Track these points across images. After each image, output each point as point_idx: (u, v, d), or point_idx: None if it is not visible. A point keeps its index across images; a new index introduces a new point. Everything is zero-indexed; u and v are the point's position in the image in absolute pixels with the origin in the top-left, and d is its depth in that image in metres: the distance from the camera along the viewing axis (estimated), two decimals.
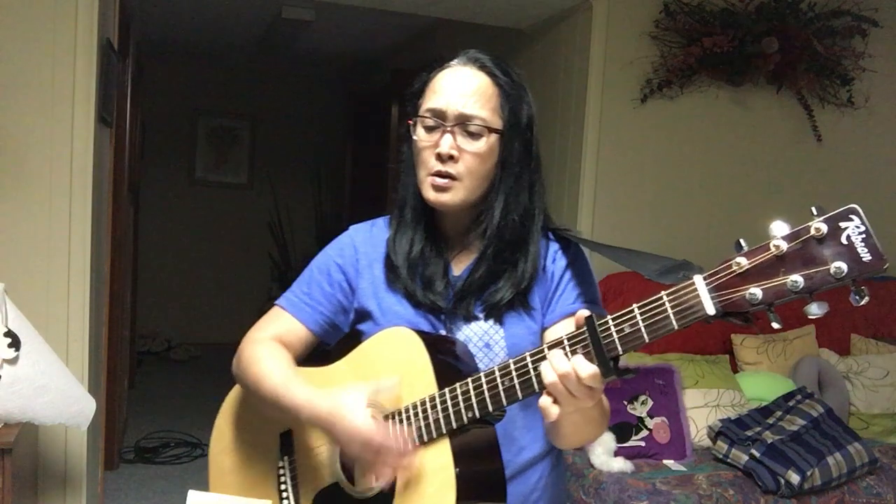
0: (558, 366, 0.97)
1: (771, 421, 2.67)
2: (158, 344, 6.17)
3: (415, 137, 1.21)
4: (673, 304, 0.91)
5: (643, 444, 2.68)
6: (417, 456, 1.10)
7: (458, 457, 1.08)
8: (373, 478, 1.12)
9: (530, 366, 1.03)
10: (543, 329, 1.23)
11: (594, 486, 2.50)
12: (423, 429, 1.10)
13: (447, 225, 1.26)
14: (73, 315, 2.57)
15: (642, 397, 2.73)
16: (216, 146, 6.53)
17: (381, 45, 5.49)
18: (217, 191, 6.55)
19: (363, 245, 1.30)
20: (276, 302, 1.33)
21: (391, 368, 1.16)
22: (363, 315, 1.28)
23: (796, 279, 0.84)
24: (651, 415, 2.72)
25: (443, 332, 1.22)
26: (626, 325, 0.94)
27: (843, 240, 0.82)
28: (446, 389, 1.09)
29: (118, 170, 3.40)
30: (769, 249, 0.86)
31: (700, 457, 2.71)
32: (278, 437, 1.29)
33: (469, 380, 1.08)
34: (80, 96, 2.53)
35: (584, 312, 0.98)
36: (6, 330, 2.06)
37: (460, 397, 1.08)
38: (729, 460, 2.60)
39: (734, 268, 0.88)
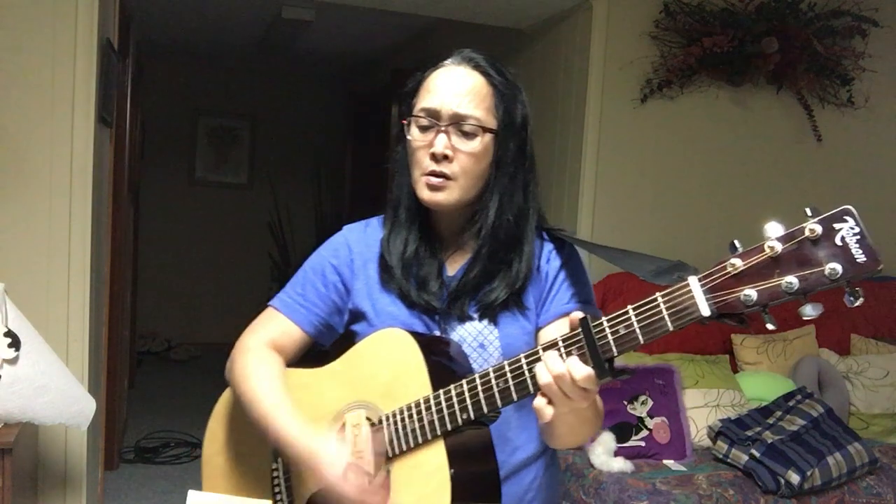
0: (553, 367, 0.97)
1: (771, 421, 2.66)
2: (158, 344, 6.18)
3: (409, 137, 1.21)
4: (668, 305, 0.91)
5: (643, 444, 2.68)
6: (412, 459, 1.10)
7: (453, 458, 1.08)
8: None
9: (525, 367, 1.03)
10: (538, 329, 1.23)
11: (594, 486, 2.50)
12: (418, 430, 1.10)
13: (441, 225, 1.26)
14: (73, 315, 2.57)
15: (642, 397, 2.73)
16: (216, 146, 6.54)
17: (381, 45, 5.49)
18: (217, 191, 6.55)
19: (357, 245, 1.30)
20: (270, 303, 1.33)
21: (385, 370, 1.16)
22: (357, 316, 1.28)
23: (791, 280, 0.84)
24: (651, 415, 2.72)
25: (437, 333, 1.22)
26: (620, 326, 0.94)
27: (838, 241, 0.82)
28: (441, 391, 1.09)
29: (118, 170, 3.40)
30: (764, 251, 0.86)
31: (700, 457, 2.71)
32: None
33: (464, 381, 1.08)
34: (80, 96, 2.54)
35: (579, 314, 0.98)
36: (6, 330, 2.06)
37: (455, 399, 1.08)
38: (729, 460, 2.60)
39: (729, 269, 0.88)
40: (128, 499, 3.44)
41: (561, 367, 0.96)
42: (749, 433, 2.60)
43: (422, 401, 1.11)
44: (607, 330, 0.95)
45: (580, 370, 0.95)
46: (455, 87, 1.18)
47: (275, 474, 1.29)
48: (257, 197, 6.56)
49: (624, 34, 3.24)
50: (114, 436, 3.57)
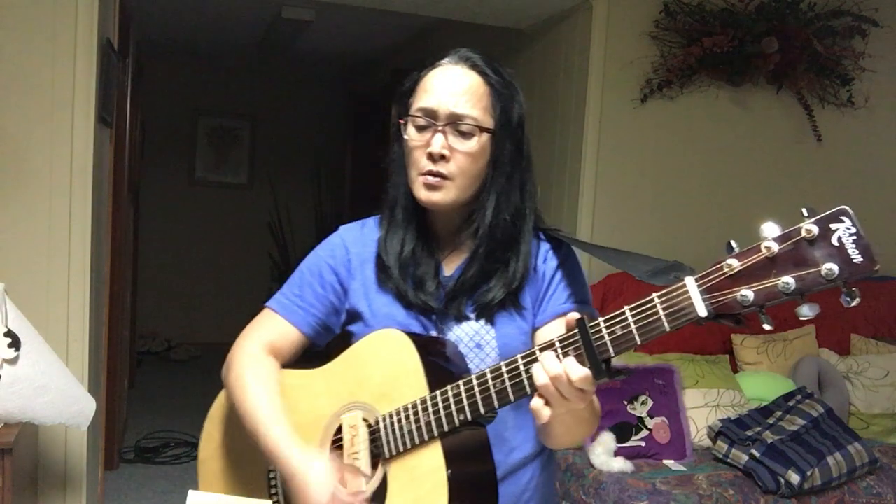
0: (550, 368, 0.97)
1: (771, 421, 2.66)
2: (158, 344, 6.18)
3: (406, 137, 1.21)
4: (664, 305, 0.91)
5: (643, 444, 2.68)
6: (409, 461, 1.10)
7: (450, 459, 1.08)
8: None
9: (522, 368, 1.02)
10: (534, 329, 1.22)
11: (594, 486, 2.50)
12: (415, 431, 1.10)
13: (438, 225, 1.26)
14: (73, 315, 2.57)
15: (642, 397, 2.73)
16: (216, 146, 6.54)
17: (381, 45, 5.49)
18: (217, 191, 6.55)
19: (354, 245, 1.30)
20: (267, 304, 1.32)
21: (382, 371, 1.16)
22: (354, 316, 1.28)
23: (788, 281, 0.84)
24: (651, 415, 2.72)
25: (434, 333, 1.22)
26: (617, 327, 0.94)
27: (834, 241, 0.82)
28: (437, 392, 1.09)
29: (118, 170, 3.40)
30: (760, 251, 0.86)
31: (700, 457, 2.71)
32: None
33: (461, 382, 1.08)
34: (80, 96, 2.54)
35: (575, 315, 0.98)
36: (6, 330, 2.06)
37: (452, 400, 1.08)
38: (729, 460, 2.60)
39: (725, 269, 0.88)
40: (128, 499, 3.44)
41: (557, 368, 0.96)
42: (749, 433, 2.60)
43: (419, 402, 1.10)
44: (604, 330, 0.95)
45: (577, 371, 0.95)
46: (452, 87, 1.17)
47: (271, 475, 1.28)
48: (257, 197, 6.56)
49: (624, 34, 3.24)
50: (114, 436, 3.57)
